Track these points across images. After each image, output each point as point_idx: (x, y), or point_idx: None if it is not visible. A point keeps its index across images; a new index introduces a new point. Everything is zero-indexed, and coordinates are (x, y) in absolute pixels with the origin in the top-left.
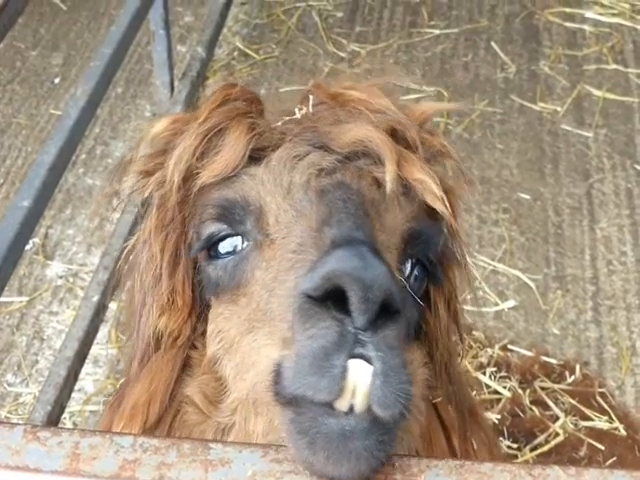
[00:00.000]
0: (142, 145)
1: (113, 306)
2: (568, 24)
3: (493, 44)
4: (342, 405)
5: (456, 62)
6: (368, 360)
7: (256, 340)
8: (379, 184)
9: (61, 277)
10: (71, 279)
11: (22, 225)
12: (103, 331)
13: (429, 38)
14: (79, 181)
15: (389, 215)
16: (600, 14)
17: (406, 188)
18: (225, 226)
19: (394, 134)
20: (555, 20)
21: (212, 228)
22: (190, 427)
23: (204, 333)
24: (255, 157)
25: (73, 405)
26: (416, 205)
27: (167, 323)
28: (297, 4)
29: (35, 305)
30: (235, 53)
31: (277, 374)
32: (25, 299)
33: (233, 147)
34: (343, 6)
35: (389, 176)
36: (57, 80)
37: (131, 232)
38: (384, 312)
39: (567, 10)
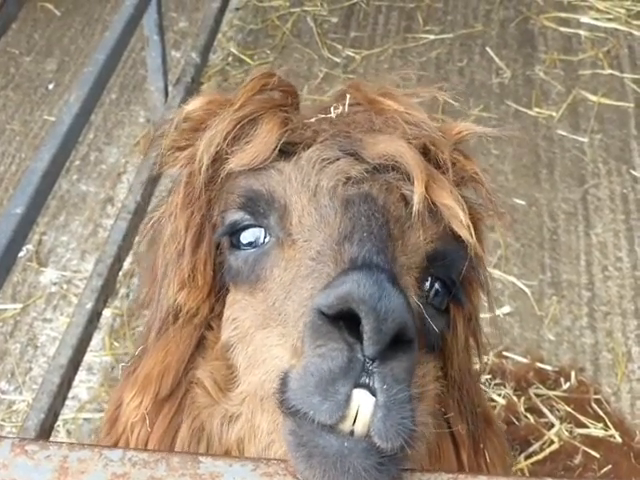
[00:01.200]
0: (175, 121)
1: (107, 313)
2: (563, 29)
3: (488, 49)
4: (343, 428)
5: (451, 67)
6: (372, 391)
7: (269, 338)
8: (406, 201)
9: (55, 284)
10: (65, 286)
11: (15, 232)
12: (97, 338)
13: (424, 43)
14: (73, 187)
15: (413, 233)
16: (595, 19)
17: (433, 209)
18: (248, 216)
19: (426, 152)
20: (550, 25)
21: (236, 216)
22: (198, 409)
23: (221, 315)
24: (285, 151)
25: (67, 413)
26: (442, 226)
27: (186, 299)
28: (292, 9)
29: (29, 312)
30: (230, 59)
31: (283, 383)
32: (19, 306)
33: (264, 139)
34: (338, 11)
35: (417, 197)
36: (51, 86)
37: (125, 239)
38: (395, 342)
39: (562, 15)
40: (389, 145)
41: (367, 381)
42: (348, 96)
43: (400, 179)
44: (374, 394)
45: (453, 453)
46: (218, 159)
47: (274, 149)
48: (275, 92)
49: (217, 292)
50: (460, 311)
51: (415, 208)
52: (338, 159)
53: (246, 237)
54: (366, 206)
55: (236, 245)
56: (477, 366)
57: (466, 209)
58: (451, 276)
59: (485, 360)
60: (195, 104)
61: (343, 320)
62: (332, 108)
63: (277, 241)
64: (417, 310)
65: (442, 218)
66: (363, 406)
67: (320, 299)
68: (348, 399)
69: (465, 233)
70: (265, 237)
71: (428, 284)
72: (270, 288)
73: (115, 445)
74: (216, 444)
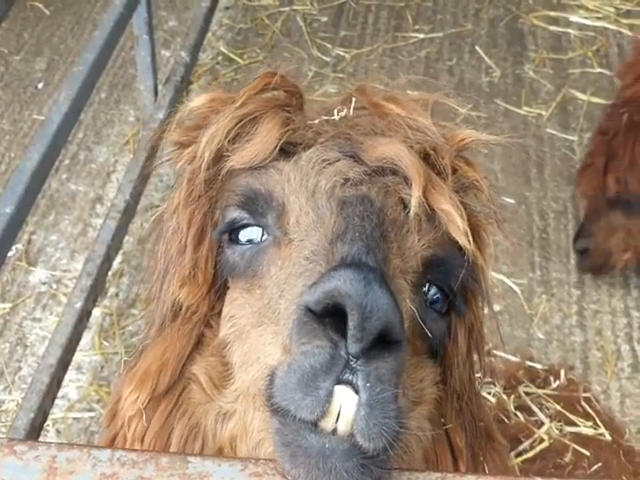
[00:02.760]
0: (178, 117)
1: (96, 312)
2: (553, 28)
3: (478, 48)
4: (326, 426)
5: (441, 66)
6: (356, 389)
7: (263, 336)
8: (404, 205)
9: (44, 283)
10: (54, 285)
11: (5, 231)
12: (86, 338)
13: (414, 42)
14: (62, 187)
15: (410, 237)
16: (585, 18)
17: (431, 214)
18: (247, 215)
19: (427, 157)
20: (540, 24)
21: (235, 214)
22: (194, 406)
23: (220, 313)
24: (286, 151)
25: (56, 412)
26: (440, 232)
27: (186, 296)
28: (281, 8)
29: (18, 312)
30: (219, 58)
31: (270, 380)
32: (8, 305)
33: (265, 138)
34: (328, 10)
35: (414, 200)
36: (40, 85)
37: (114, 238)
38: (382, 341)
39: (552, 14)
40: (389, 148)
41: (350, 378)
42: (354, 99)
43: (399, 183)
44: (357, 392)
45: (451, 464)
46: (219, 157)
47: (274, 148)
48: (279, 92)
49: (217, 290)
50: (461, 321)
51: (412, 212)
52: (337, 160)
53: (245, 235)
54: (362, 207)
55: (234, 240)
56: (479, 378)
57: (465, 215)
58: (449, 283)
59: (483, 372)
60: (199, 101)
61: (330, 317)
62: (336, 110)
63: (274, 240)
64: (411, 314)
65: (440, 224)
66: (346, 403)
67: (307, 295)
68: (329, 395)
69: (463, 239)
70: (263, 235)
71: (425, 289)
72: (266, 286)
73: (114, 438)
74: (210, 442)
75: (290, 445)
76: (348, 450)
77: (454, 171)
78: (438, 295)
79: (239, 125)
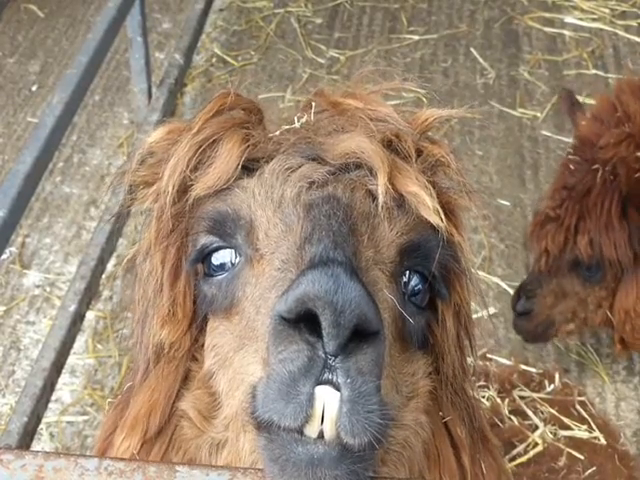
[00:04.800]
0: (137, 155)
1: (90, 316)
2: (548, 29)
3: (472, 50)
4: (311, 431)
5: (435, 68)
6: (337, 387)
7: (245, 357)
8: (373, 196)
9: (38, 286)
10: (48, 288)
11: None
12: (80, 341)
13: (408, 44)
14: (56, 189)
15: (382, 228)
16: (580, 19)
17: (401, 200)
18: (217, 239)
19: (390, 144)
20: (535, 25)
21: (204, 240)
22: (186, 442)
23: (204, 346)
24: (250, 168)
25: (50, 416)
26: (412, 217)
27: (168, 334)
28: (276, 10)
29: (12, 315)
30: (213, 60)
31: (253, 396)
32: (2, 309)
33: (226, 159)
34: (322, 12)
35: (380, 189)
36: (34, 88)
37: (108, 241)
38: (360, 335)
39: (547, 15)
40: (350, 143)
41: (331, 377)
42: (313, 104)
43: (365, 176)
44: (339, 389)
45: (453, 456)
46: (184, 188)
47: (236, 167)
48: (235, 111)
49: (199, 323)
50: (447, 305)
51: (380, 200)
52: (300, 166)
53: (217, 258)
54: (327, 206)
55: (208, 273)
56: (471, 363)
57: (434, 194)
58: (429, 267)
59: (474, 359)
60: (156, 135)
61: (305, 322)
62: (296, 118)
63: (246, 259)
64: (391, 305)
65: (411, 208)
66: (328, 403)
67: (279, 305)
68: (311, 398)
69: (434, 218)
70: (235, 257)
71: (406, 278)
72: (244, 308)
73: None
74: None
75: (278, 460)
76: (336, 457)
77: (419, 153)
78: (419, 286)
79: (199, 151)
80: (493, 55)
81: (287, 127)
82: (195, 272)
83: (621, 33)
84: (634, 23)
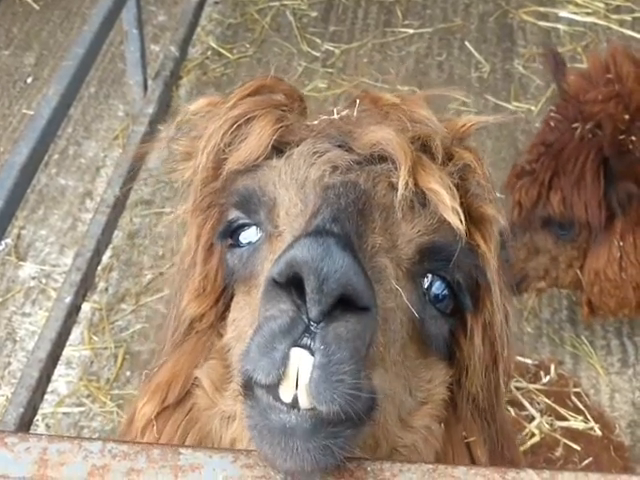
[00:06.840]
0: (178, 125)
1: (86, 307)
2: (542, 23)
3: (467, 43)
4: (285, 395)
5: (430, 61)
6: (313, 353)
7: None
8: (395, 190)
9: (34, 278)
10: (44, 280)
11: None
12: (76, 332)
13: (403, 37)
14: (52, 181)
15: (403, 224)
16: (574, 13)
17: (423, 198)
18: (243, 215)
19: (419, 142)
20: (529, 19)
21: (232, 215)
22: (200, 412)
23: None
24: (281, 150)
25: (46, 407)
26: (436, 218)
27: (196, 308)
28: (271, 3)
29: (8, 306)
30: (209, 52)
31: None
32: None
33: (258, 136)
34: (317, 5)
35: (401, 181)
36: (29, 80)
37: (104, 233)
38: (349, 307)
39: (541, 9)
40: (377, 134)
41: (309, 343)
42: (357, 101)
43: (389, 169)
44: (314, 356)
45: None
46: (219, 163)
47: (267, 145)
48: (278, 95)
49: (226, 299)
50: (475, 318)
51: (399, 192)
52: (328, 151)
53: (245, 237)
54: (343, 189)
55: (235, 244)
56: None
57: (456, 195)
58: (452, 273)
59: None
60: (197, 105)
61: (296, 287)
62: (335, 110)
63: (266, 235)
64: (398, 296)
65: (434, 208)
66: (302, 367)
67: (272, 267)
68: (285, 357)
69: (453, 219)
70: (258, 233)
71: (428, 281)
72: (260, 282)
73: None
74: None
75: (257, 426)
76: (309, 429)
77: (450, 157)
78: (445, 292)
79: (234, 126)
80: (488, 49)
81: (325, 117)
82: (223, 245)
83: (615, 27)
84: (628, 17)
